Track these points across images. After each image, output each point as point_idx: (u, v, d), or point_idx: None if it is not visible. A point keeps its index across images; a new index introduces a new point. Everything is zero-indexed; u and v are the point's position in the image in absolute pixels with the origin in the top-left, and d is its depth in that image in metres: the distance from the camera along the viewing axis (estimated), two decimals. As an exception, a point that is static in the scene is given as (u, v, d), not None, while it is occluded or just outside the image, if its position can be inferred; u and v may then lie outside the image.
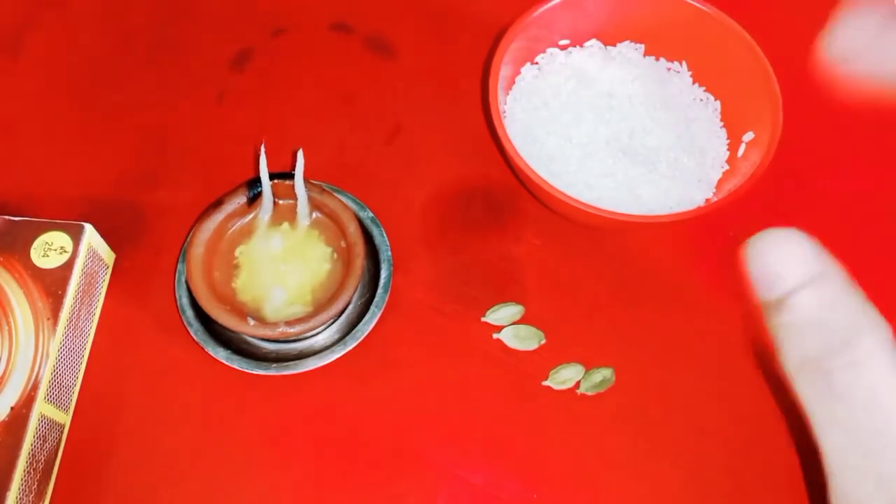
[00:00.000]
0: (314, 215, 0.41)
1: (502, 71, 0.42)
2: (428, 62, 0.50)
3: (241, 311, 0.38)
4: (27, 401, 0.35)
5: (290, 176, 0.40)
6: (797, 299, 0.20)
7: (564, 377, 0.40)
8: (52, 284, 0.37)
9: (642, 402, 0.40)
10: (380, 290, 0.41)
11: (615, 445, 0.39)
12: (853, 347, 0.19)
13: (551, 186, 0.38)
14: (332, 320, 0.39)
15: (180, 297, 0.40)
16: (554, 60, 0.46)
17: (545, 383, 0.40)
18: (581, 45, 0.47)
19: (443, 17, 0.52)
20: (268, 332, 0.37)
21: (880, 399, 0.19)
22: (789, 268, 0.21)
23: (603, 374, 0.40)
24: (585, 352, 0.40)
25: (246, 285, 0.39)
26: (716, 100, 0.45)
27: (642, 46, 0.46)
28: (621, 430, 0.39)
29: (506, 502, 0.37)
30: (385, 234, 0.42)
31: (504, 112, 0.44)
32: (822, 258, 0.21)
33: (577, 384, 0.40)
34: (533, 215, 0.44)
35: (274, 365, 0.39)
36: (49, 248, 0.38)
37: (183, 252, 0.42)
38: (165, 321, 0.41)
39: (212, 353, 0.39)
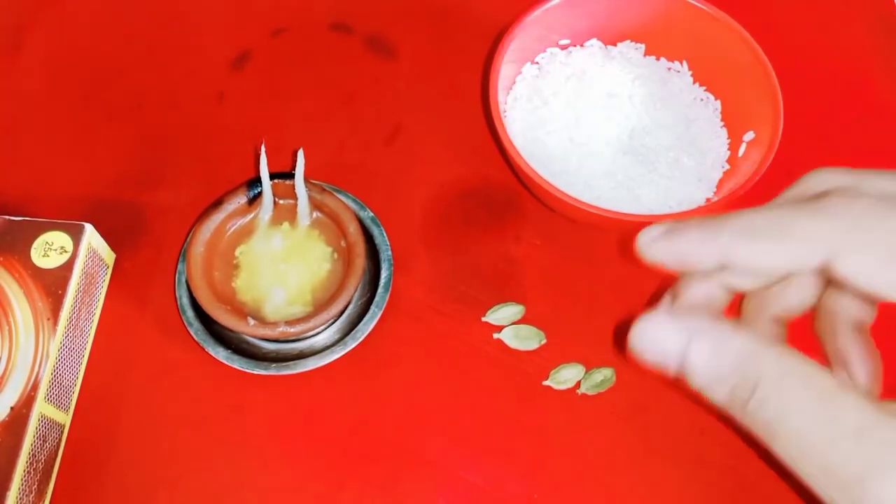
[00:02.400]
0: (314, 215, 0.41)
1: (502, 71, 0.42)
2: (428, 62, 0.50)
3: (242, 311, 0.38)
4: (27, 401, 0.35)
5: (291, 176, 0.40)
6: (689, 368, 0.22)
7: (565, 377, 0.40)
8: (52, 284, 0.37)
9: (642, 402, 0.40)
10: (380, 290, 0.41)
11: (616, 445, 0.39)
12: (752, 392, 0.20)
13: (552, 186, 0.38)
14: (332, 320, 0.39)
15: (180, 296, 0.40)
16: (554, 60, 0.46)
17: (545, 383, 0.40)
18: (581, 45, 0.47)
19: (443, 17, 0.52)
20: (268, 332, 0.37)
21: (791, 423, 0.20)
22: (666, 347, 0.22)
23: (603, 374, 0.40)
24: (586, 352, 0.40)
25: (246, 285, 0.39)
26: (716, 99, 0.45)
27: (642, 46, 0.46)
28: (621, 430, 0.39)
29: (506, 502, 0.37)
30: (385, 234, 0.42)
31: (504, 112, 0.44)
32: (687, 324, 0.22)
33: (578, 384, 0.40)
34: (533, 215, 0.44)
35: (274, 365, 0.39)
36: (49, 248, 0.38)
37: (183, 252, 0.41)
38: (165, 321, 0.41)
39: (212, 353, 0.39)
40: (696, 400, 0.22)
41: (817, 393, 0.20)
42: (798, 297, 0.26)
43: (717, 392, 0.21)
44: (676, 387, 0.23)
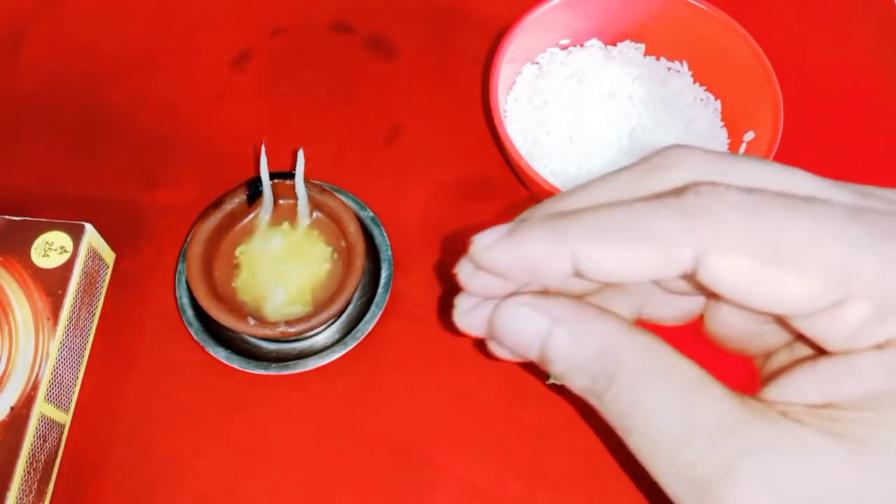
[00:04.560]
0: (314, 215, 0.41)
1: (502, 71, 0.42)
2: (428, 62, 0.50)
3: (242, 311, 0.38)
4: (27, 401, 0.35)
5: (291, 176, 0.40)
6: (549, 355, 0.20)
7: (565, 377, 0.40)
8: (52, 284, 0.37)
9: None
10: (380, 290, 0.41)
11: (616, 445, 0.39)
12: (609, 382, 0.19)
13: (552, 186, 0.38)
14: (332, 320, 0.39)
15: (180, 296, 0.40)
16: (554, 60, 0.46)
17: (546, 383, 0.40)
18: (581, 45, 0.47)
19: (443, 17, 0.52)
20: (268, 332, 0.37)
21: (650, 408, 0.18)
22: (528, 332, 0.20)
23: (603, 374, 0.40)
24: (586, 352, 0.40)
25: (246, 285, 0.39)
26: (716, 99, 0.45)
27: (643, 46, 0.46)
28: (622, 430, 0.39)
29: (506, 502, 0.37)
30: (385, 234, 0.42)
31: (504, 112, 0.44)
32: (550, 309, 0.20)
33: (578, 384, 0.40)
34: (533, 215, 0.44)
35: (274, 365, 0.39)
36: (49, 248, 0.38)
37: (183, 252, 0.41)
38: (166, 321, 0.41)
39: (212, 353, 0.39)
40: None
41: (678, 386, 0.18)
42: (668, 309, 0.24)
43: (577, 381, 0.20)
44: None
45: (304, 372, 0.39)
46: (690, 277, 0.18)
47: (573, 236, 0.19)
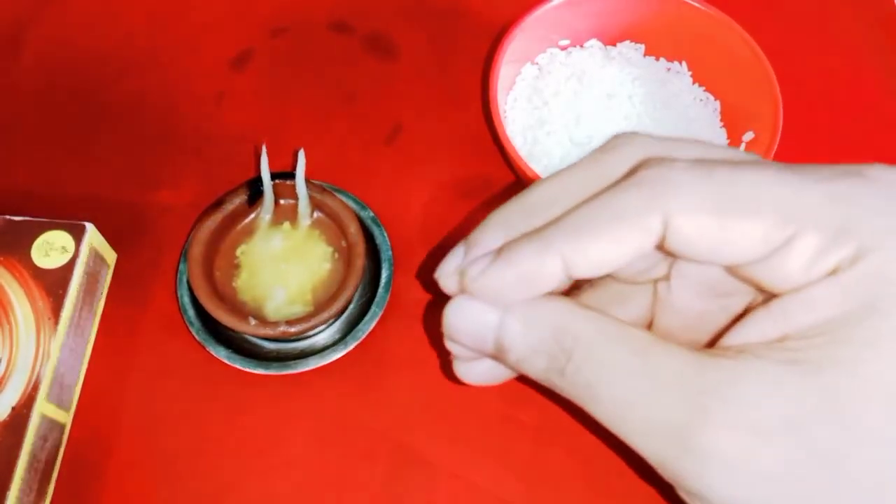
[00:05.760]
0: (315, 215, 0.41)
1: (502, 71, 0.42)
2: (428, 62, 0.50)
3: (242, 311, 0.38)
4: (28, 401, 0.35)
5: (291, 176, 0.40)
6: (504, 343, 0.21)
7: (565, 377, 0.40)
8: (53, 284, 0.37)
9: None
10: (380, 290, 0.41)
11: (617, 444, 0.39)
12: (568, 357, 0.20)
13: (552, 186, 0.38)
14: (332, 320, 0.40)
15: (181, 296, 0.40)
16: (554, 60, 0.46)
17: (545, 383, 0.40)
18: (581, 45, 0.47)
19: (443, 17, 0.52)
20: (268, 332, 0.37)
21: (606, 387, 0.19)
22: (480, 324, 0.21)
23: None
24: (586, 351, 0.40)
25: (247, 285, 0.39)
26: (716, 100, 0.45)
27: (642, 46, 0.47)
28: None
29: (506, 502, 0.37)
30: (386, 234, 0.42)
31: (504, 112, 0.44)
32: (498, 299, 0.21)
33: (578, 384, 0.40)
34: (533, 215, 0.44)
35: (274, 364, 0.39)
36: (50, 248, 0.38)
37: (184, 251, 0.42)
38: (166, 320, 0.41)
39: (213, 353, 0.39)
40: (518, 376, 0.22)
41: (634, 348, 0.19)
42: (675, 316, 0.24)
43: (535, 364, 0.20)
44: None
45: (305, 372, 0.39)
46: (661, 247, 0.19)
47: (559, 241, 0.20)
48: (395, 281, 0.41)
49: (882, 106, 0.50)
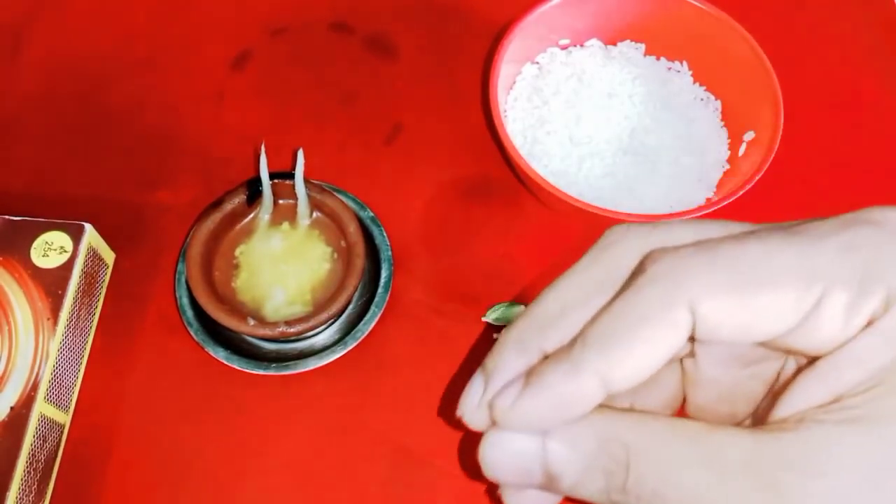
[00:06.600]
0: (314, 215, 0.41)
1: (502, 71, 0.42)
2: (428, 62, 0.50)
3: (241, 311, 0.38)
4: (27, 401, 0.35)
5: (291, 176, 0.40)
6: (553, 471, 0.19)
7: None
8: (52, 284, 0.37)
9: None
10: (380, 290, 0.41)
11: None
12: (626, 467, 0.18)
13: (552, 186, 0.38)
14: (332, 320, 0.39)
15: (180, 296, 0.40)
16: (554, 60, 0.46)
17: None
18: (581, 45, 0.47)
19: (443, 17, 0.52)
20: (267, 332, 0.37)
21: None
22: (522, 459, 0.19)
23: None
24: (586, 352, 0.40)
25: (246, 285, 0.39)
26: (716, 99, 0.45)
27: (643, 46, 0.46)
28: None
29: (506, 502, 0.37)
30: (385, 234, 0.42)
31: (504, 112, 0.44)
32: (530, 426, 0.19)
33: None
34: (533, 215, 0.44)
35: (274, 365, 0.39)
36: (49, 248, 0.38)
37: (183, 252, 0.41)
38: (165, 321, 0.41)
39: (212, 353, 0.39)
40: None
41: (690, 442, 0.18)
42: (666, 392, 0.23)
43: (592, 485, 0.19)
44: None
45: (304, 372, 0.39)
46: (691, 338, 0.19)
47: (590, 360, 0.18)
48: (395, 281, 0.41)
49: (882, 106, 0.50)
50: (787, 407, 0.19)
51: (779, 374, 0.22)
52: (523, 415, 0.19)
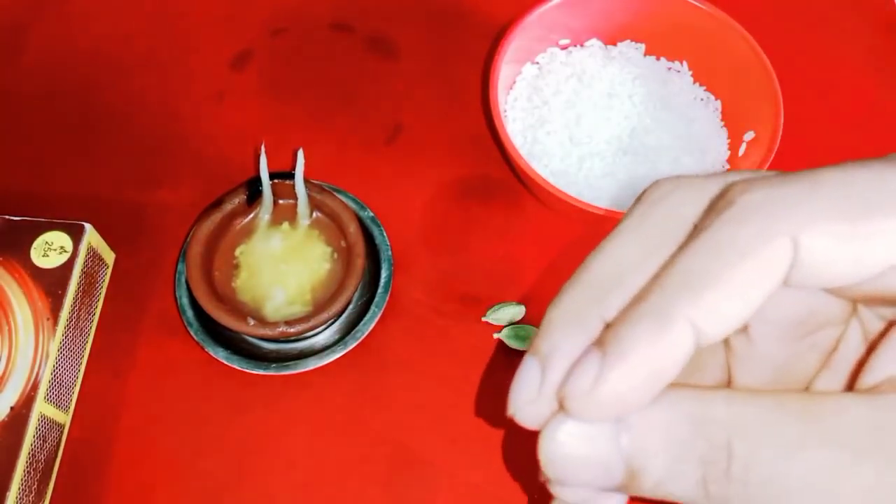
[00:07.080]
0: (314, 215, 0.41)
1: (502, 71, 0.42)
2: (428, 62, 0.50)
3: (241, 311, 0.38)
4: (27, 401, 0.35)
5: (291, 175, 0.40)
6: (636, 465, 0.16)
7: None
8: (52, 284, 0.37)
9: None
10: (380, 290, 0.41)
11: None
12: (728, 453, 0.15)
13: (552, 186, 0.38)
14: (332, 320, 0.39)
15: (180, 296, 0.40)
16: (554, 60, 0.46)
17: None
18: (581, 45, 0.47)
19: (443, 17, 0.52)
20: (267, 332, 0.37)
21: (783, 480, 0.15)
22: (597, 455, 0.16)
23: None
24: (586, 352, 0.40)
25: (246, 285, 0.39)
26: (716, 99, 0.45)
27: (643, 46, 0.46)
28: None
29: (506, 502, 0.37)
30: (385, 234, 0.42)
31: (504, 112, 0.44)
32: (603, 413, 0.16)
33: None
34: (533, 215, 0.44)
35: (274, 365, 0.39)
36: (49, 248, 0.38)
37: (183, 252, 0.41)
38: (165, 321, 0.41)
39: (212, 353, 0.39)
40: None
41: (804, 416, 0.15)
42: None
43: (684, 479, 0.16)
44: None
45: (304, 372, 0.39)
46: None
47: (680, 305, 0.16)
48: (395, 281, 0.41)
49: (882, 106, 0.50)
50: (877, 372, 0.17)
51: (837, 343, 0.19)
52: (609, 395, 0.16)
